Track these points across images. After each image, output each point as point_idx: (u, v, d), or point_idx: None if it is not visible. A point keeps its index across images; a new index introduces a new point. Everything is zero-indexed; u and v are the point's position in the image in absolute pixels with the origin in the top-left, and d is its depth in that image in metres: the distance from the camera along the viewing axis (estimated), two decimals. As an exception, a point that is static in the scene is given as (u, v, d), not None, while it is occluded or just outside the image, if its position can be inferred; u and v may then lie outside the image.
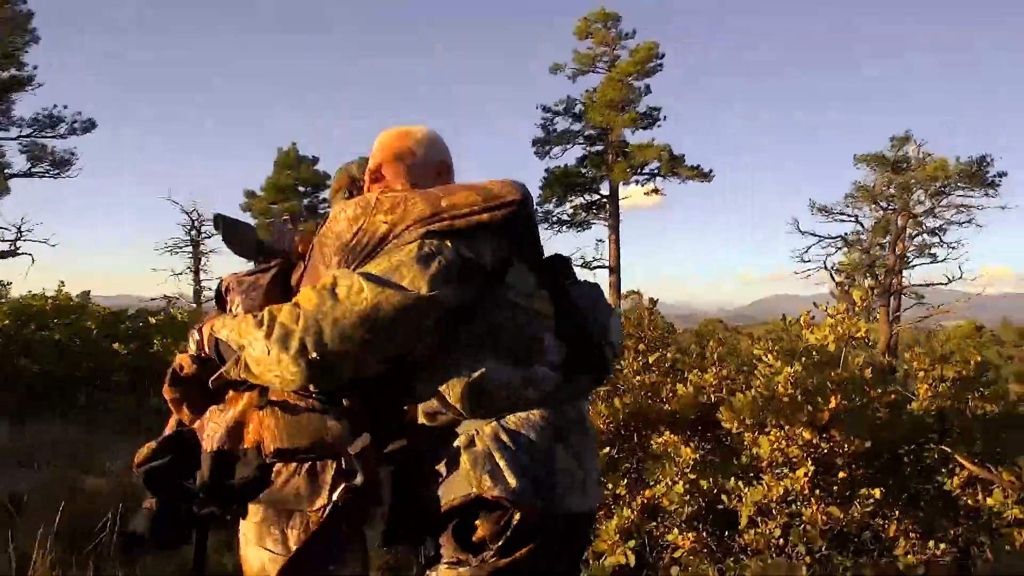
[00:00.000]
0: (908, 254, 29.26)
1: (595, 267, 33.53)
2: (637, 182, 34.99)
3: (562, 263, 2.04)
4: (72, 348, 9.74)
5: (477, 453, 1.69)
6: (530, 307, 1.81)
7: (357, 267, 1.74)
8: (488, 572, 1.69)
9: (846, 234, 30.79)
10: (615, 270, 33.91)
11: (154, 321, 10.98)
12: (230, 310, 2.01)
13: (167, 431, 2.00)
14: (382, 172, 2.07)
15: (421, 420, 1.79)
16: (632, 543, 3.37)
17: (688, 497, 3.49)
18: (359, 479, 1.72)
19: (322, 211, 40.26)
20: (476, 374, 1.70)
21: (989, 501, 3.67)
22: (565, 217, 35.82)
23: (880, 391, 3.99)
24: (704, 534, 3.65)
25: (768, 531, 3.36)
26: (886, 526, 3.59)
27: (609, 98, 33.13)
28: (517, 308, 1.80)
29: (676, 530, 3.59)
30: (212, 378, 1.83)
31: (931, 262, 29.33)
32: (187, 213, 36.72)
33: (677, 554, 3.55)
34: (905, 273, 29.47)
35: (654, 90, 34.11)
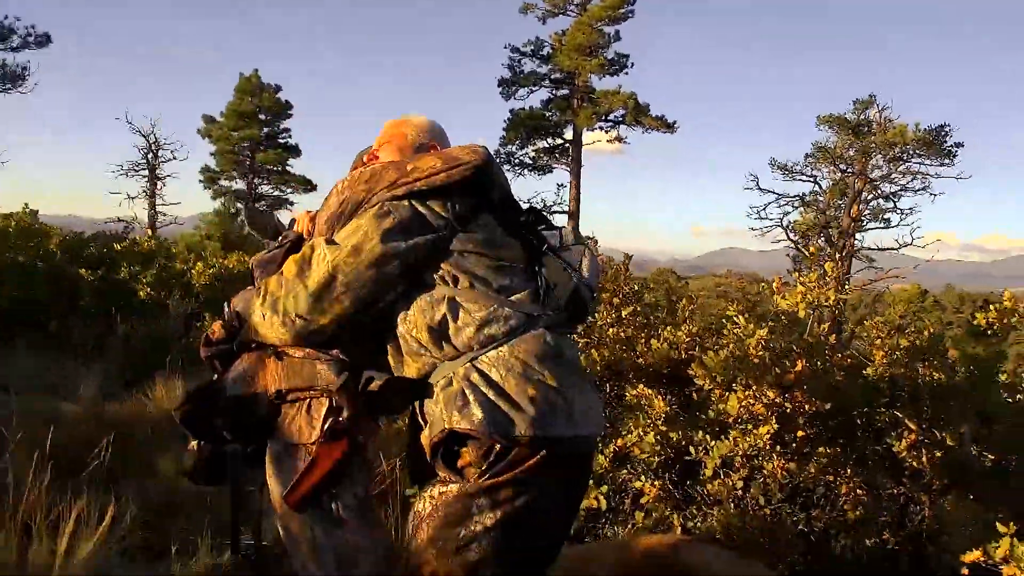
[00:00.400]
0: (863, 217, 29.84)
1: (555, 212, 33.68)
2: (601, 128, 35.05)
3: (537, 216, 2.26)
4: (37, 272, 9.68)
5: (451, 392, 1.92)
6: (498, 256, 2.04)
7: (333, 226, 2.05)
8: (474, 491, 1.91)
9: (803, 194, 31.29)
10: (574, 215, 34.14)
11: (119, 247, 10.97)
12: (256, 282, 2.30)
13: (200, 387, 2.35)
14: (377, 154, 2.38)
15: (408, 365, 2.05)
16: (604, 488, 3.60)
17: (658, 447, 3.72)
18: (346, 413, 2.01)
19: (281, 140, 39.74)
20: (436, 313, 1.96)
21: (927, 463, 3.95)
22: (527, 160, 35.83)
23: (840, 355, 4.24)
24: (669, 484, 3.89)
25: (731, 483, 3.60)
26: (837, 482, 3.84)
27: (578, 42, 33.06)
28: (483, 256, 2.03)
29: (643, 478, 3.83)
30: (236, 342, 2.18)
31: (884, 227, 29.98)
32: (144, 135, 35.94)
33: (643, 500, 3.79)
34: (858, 236, 30.07)
35: (623, 36, 34.08)
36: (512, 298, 2.01)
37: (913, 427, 4.08)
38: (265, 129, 39.15)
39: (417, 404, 2.02)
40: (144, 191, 36.26)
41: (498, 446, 1.87)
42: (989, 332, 4.46)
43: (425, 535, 1.95)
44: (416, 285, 2.01)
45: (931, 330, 4.71)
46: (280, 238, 2.38)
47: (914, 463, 4.08)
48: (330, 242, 2.00)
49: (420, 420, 2.01)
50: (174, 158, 36.26)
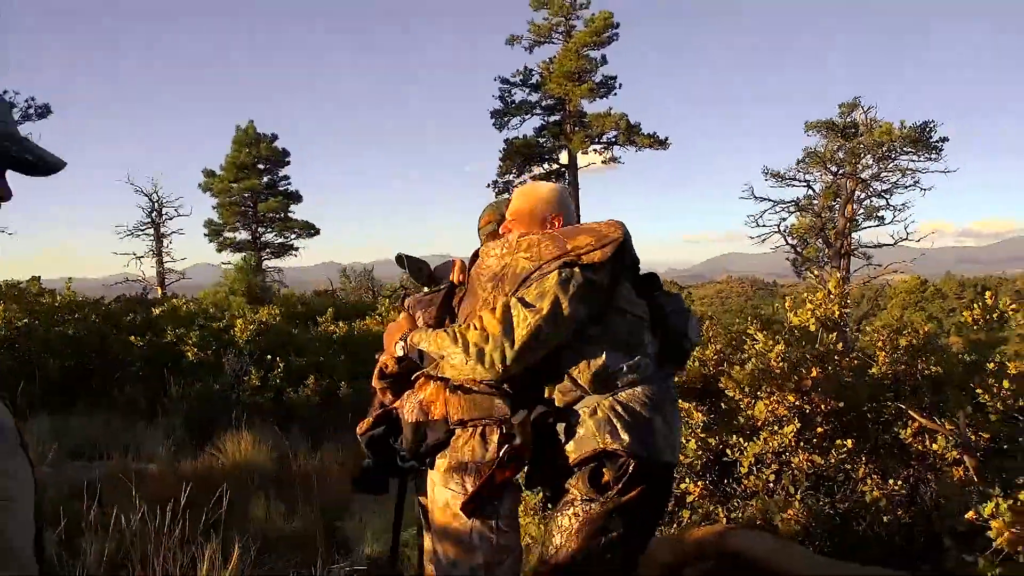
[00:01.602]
0: (857, 217, 30.42)
1: (557, 236, 34.14)
2: (595, 151, 35.68)
3: (652, 279, 2.87)
4: (86, 341, 10.27)
5: (599, 419, 2.51)
6: (634, 312, 2.62)
7: (512, 294, 2.55)
8: (611, 508, 2.50)
9: (798, 199, 31.87)
10: (576, 238, 34.62)
11: (157, 311, 11.57)
12: (414, 318, 2.86)
13: (375, 411, 2.86)
14: (510, 226, 2.89)
15: (556, 397, 2.61)
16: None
17: (699, 452, 4.33)
18: (518, 441, 2.52)
19: (281, 187, 40.36)
20: (599, 361, 2.52)
21: (934, 447, 4.51)
22: (525, 187, 36.38)
23: (848, 359, 4.84)
24: (710, 483, 4.48)
25: (764, 477, 4.20)
26: (855, 469, 4.43)
27: (566, 69, 33.73)
28: (625, 314, 2.62)
29: (687, 480, 4.42)
30: (417, 374, 2.70)
31: (878, 224, 30.57)
32: (147, 195, 36.62)
33: (689, 499, 4.39)
34: (854, 235, 30.64)
35: (609, 59, 34.79)
36: (646, 351, 2.61)
37: (916, 416, 4.66)
38: (265, 178, 39.84)
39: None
40: (151, 250, 36.94)
41: (631, 467, 2.46)
42: (976, 326, 5.04)
43: (576, 544, 2.51)
44: (587, 337, 2.56)
45: (926, 329, 5.30)
46: (433, 284, 2.99)
47: (919, 447, 4.66)
48: (524, 303, 2.48)
49: (560, 439, 2.59)
50: (178, 214, 37.03)
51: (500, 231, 2.94)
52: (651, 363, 2.61)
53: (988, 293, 4.93)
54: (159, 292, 33.32)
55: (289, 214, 40.61)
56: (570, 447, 2.55)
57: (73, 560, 4.39)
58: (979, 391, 4.68)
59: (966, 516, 3.27)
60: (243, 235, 40.36)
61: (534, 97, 35.54)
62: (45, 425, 8.09)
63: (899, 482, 4.60)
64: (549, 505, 2.77)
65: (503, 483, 2.57)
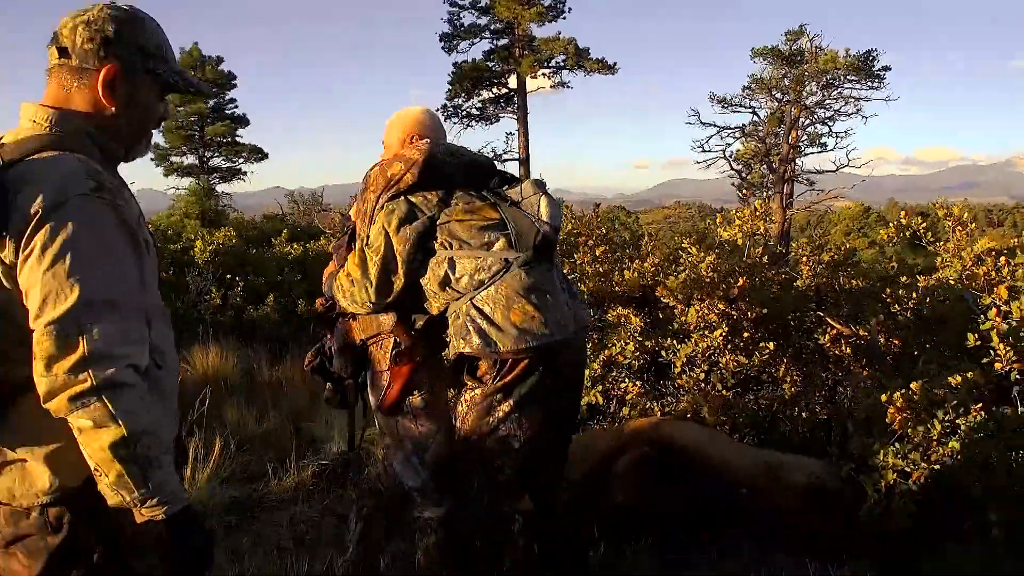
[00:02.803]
0: (801, 143, 31.14)
1: (505, 159, 34.39)
2: (544, 75, 35.69)
3: (501, 176, 3.14)
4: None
5: (459, 324, 2.87)
6: (481, 218, 2.92)
7: (368, 227, 2.96)
8: (491, 391, 2.87)
9: (744, 124, 32.45)
10: (524, 162, 34.86)
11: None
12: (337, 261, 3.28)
13: (317, 346, 3.40)
14: (383, 154, 3.26)
15: (431, 307, 3.00)
16: (599, 388, 4.69)
17: (637, 354, 4.79)
18: (403, 345, 3.00)
19: (228, 111, 39.83)
20: (440, 271, 2.90)
21: (848, 351, 5.03)
22: (474, 112, 36.38)
23: (774, 272, 5.33)
24: (647, 383, 4.96)
25: (695, 376, 4.68)
26: (777, 369, 4.93)
27: (515, -8, 33.53)
28: (468, 224, 2.91)
29: (627, 380, 4.90)
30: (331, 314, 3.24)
31: (821, 151, 31.31)
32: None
33: (628, 397, 4.86)
34: (798, 161, 31.38)
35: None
36: (492, 249, 2.88)
37: (834, 323, 5.17)
38: (211, 102, 39.19)
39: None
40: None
41: (497, 361, 2.83)
42: (891, 243, 5.54)
43: (467, 426, 2.93)
44: (429, 253, 2.90)
45: (847, 246, 5.81)
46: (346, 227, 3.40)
47: (836, 352, 5.18)
48: (367, 245, 2.91)
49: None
50: (124, 138, 36.37)
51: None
52: (499, 260, 2.86)
53: (902, 212, 5.40)
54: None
55: (237, 138, 40.14)
56: (448, 352, 2.94)
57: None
58: (890, 301, 5.20)
59: (866, 403, 3.80)
60: (190, 159, 39.83)
61: (483, 20, 35.29)
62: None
63: (817, 381, 5.13)
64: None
65: (404, 381, 3.03)
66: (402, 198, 2.90)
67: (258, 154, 40.24)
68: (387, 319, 3.05)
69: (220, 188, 38.03)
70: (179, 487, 1.64)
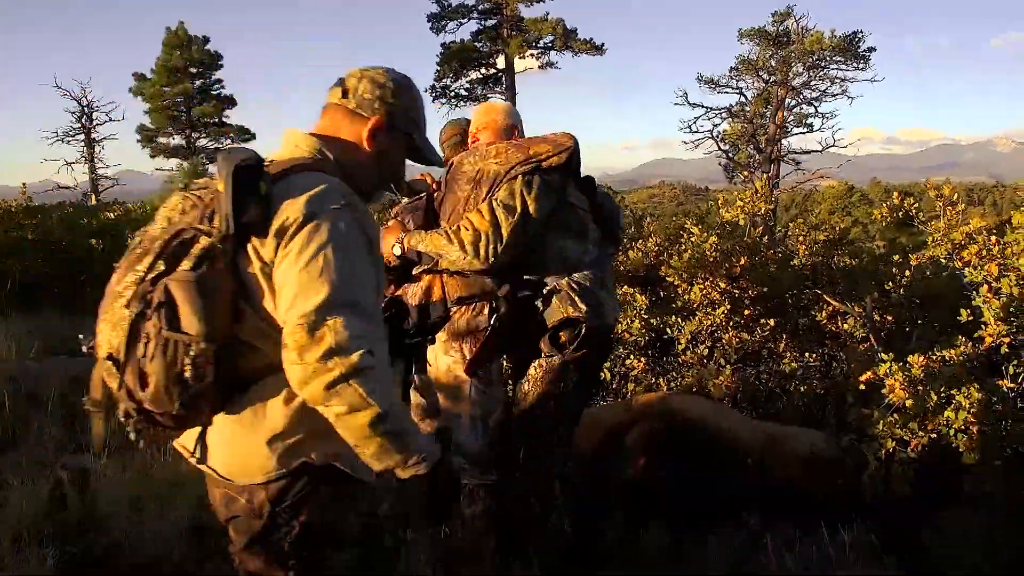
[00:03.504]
0: (787, 124, 31.31)
1: (494, 140, 34.25)
2: (532, 56, 35.68)
3: (590, 180, 3.44)
4: (48, 246, 10.49)
5: (562, 295, 3.10)
6: (581, 207, 3.21)
7: (488, 195, 3.10)
8: (568, 360, 3.13)
9: (731, 105, 32.57)
10: (514, 143, 34.83)
11: (112, 216, 11.82)
12: (403, 223, 3.40)
13: (391, 296, 3.39)
14: (478, 136, 3.50)
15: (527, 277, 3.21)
16: (607, 364, 4.86)
17: (643, 330, 4.97)
18: (503, 311, 3.11)
19: (215, 91, 39.53)
20: (562, 246, 3.19)
21: (844, 326, 5.22)
22: (463, 92, 36.31)
23: (772, 251, 5.51)
24: (652, 359, 5.14)
25: (699, 352, 4.87)
26: (777, 345, 5.12)
27: (503, -29, 33.48)
28: (575, 208, 3.25)
29: (632, 357, 5.07)
30: (418, 269, 3.27)
31: (808, 131, 31.50)
32: (76, 99, 35.70)
33: (633, 373, 5.04)
34: (784, 141, 31.56)
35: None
36: (591, 237, 3.25)
37: (831, 300, 5.36)
38: (198, 82, 38.90)
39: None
40: (83, 156, 36.17)
41: (584, 329, 3.08)
42: (884, 223, 5.71)
43: (540, 389, 3.16)
44: (549, 228, 3.16)
45: (842, 226, 5.99)
46: (413, 195, 3.53)
47: (833, 328, 5.37)
48: (505, 207, 3.04)
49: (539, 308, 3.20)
50: (109, 119, 36.30)
51: (470, 142, 3.52)
52: (595, 248, 3.26)
53: (895, 193, 5.57)
54: (93, 199, 32.80)
55: (224, 119, 39.91)
56: (545, 315, 3.16)
57: (83, 437, 4.82)
58: (884, 279, 5.39)
59: (864, 376, 3.98)
60: (177, 140, 39.51)
61: (471, 1, 35.19)
62: (21, 325, 8.41)
63: (814, 356, 5.32)
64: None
65: (493, 347, 3.18)
66: (538, 175, 3.12)
67: (245, 134, 40.02)
68: (490, 282, 3.20)
69: (209, 168, 37.80)
70: (429, 442, 1.89)
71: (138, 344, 1.73)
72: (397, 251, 3.27)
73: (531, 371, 3.21)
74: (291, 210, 1.75)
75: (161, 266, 1.74)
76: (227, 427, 1.86)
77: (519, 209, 3.05)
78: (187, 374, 1.71)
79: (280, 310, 1.75)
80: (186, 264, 1.73)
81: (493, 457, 3.29)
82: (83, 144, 36.34)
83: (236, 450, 1.88)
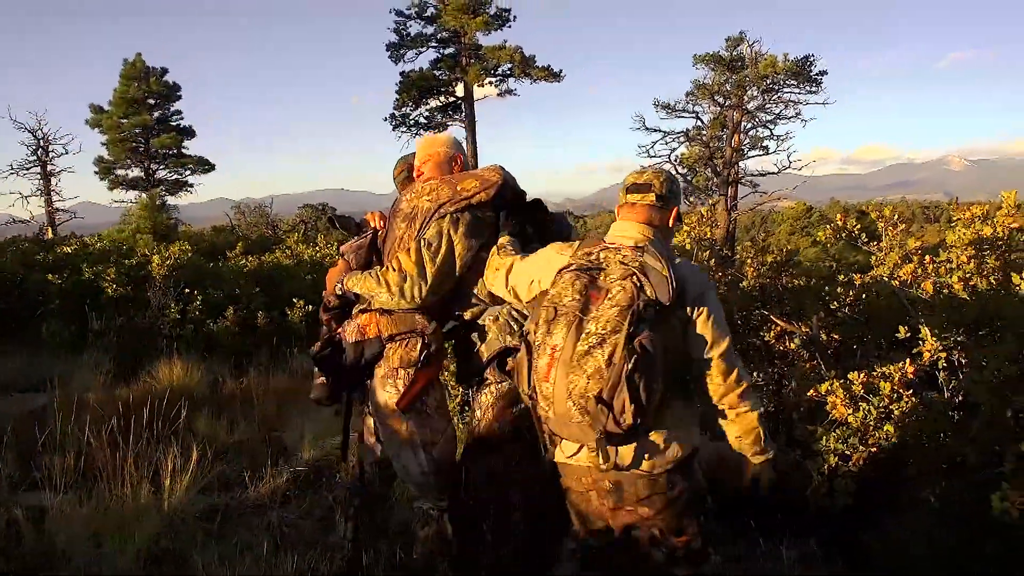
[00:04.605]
0: (743, 147, 31.82)
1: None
2: (491, 83, 35.95)
3: (538, 203, 3.58)
4: (2, 282, 10.39)
5: (501, 324, 3.21)
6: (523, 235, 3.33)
7: (418, 232, 3.26)
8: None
9: (688, 129, 33.04)
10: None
11: (69, 250, 11.76)
12: (349, 262, 3.55)
13: (324, 336, 3.55)
14: (422, 169, 3.62)
15: (465, 314, 3.38)
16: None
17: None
18: (433, 347, 3.29)
19: (173, 122, 39.38)
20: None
21: (791, 346, 5.35)
22: (422, 120, 36.51)
23: (721, 273, 5.63)
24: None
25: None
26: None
27: (461, 1, 33.70)
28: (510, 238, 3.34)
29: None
30: (357, 309, 3.45)
31: (763, 154, 32.01)
32: (31, 131, 35.38)
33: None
34: (741, 164, 32.06)
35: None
36: None
37: (778, 321, 5.48)
38: (156, 113, 38.77)
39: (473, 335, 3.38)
40: (39, 189, 35.78)
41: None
42: (830, 244, 5.86)
43: (492, 413, 3.28)
44: (479, 263, 3.27)
45: (789, 248, 6.14)
46: (359, 232, 3.64)
47: (781, 348, 5.49)
48: (428, 246, 3.21)
49: (475, 342, 3.34)
50: (66, 152, 35.97)
51: (415, 175, 3.64)
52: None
53: (839, 215, 5.73)
54: (49, 233, 32.46)
55: (183, 150, 39.75)
56: (483, 348, 3.31)
57: (38, 473, 4.80)
58: (830, 299, 5.53)
59: (810, 393, 4.11)
60: (135, 172, 39.26)
61: (430, 30, 35.46)
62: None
63: (763, 376, 5.44)
64: (467, 405, 3.57)
65: (427, 381, 3.34)
66: (467, 212, 3.29)
67: (205, 166, 39.88)
68: (421, 319, 3.34)
69: (166, 200, 37.57)
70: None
71: None
72: (339, 290, 3.42)
73: (482, 398, 3.33)
74: (694, 286, 2.65)
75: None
76: None
77: (443, 249, 3.21)
78: None
79: (704, 351, 2.65)
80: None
81: (441, 484, 3.40)
82: (39, 177, 35.90)
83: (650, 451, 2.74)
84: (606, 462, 2.59)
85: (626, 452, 2.61)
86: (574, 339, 2.50)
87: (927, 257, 4.71)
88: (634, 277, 2.54)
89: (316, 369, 3.47)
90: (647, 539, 2.74)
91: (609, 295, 2.54)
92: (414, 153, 3.75)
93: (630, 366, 2.37)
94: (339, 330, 3.48)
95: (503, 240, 3.26)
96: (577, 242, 2.89)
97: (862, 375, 4.05)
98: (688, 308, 2.60)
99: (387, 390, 3.37)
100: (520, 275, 3.01)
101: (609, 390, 2.40)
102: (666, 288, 2.51)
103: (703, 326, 2.62)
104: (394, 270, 3.23)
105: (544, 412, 2.62)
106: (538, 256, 2.98)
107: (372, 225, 3.64)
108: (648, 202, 2.80)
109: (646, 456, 2.63)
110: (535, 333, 2.64)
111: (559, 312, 2.58)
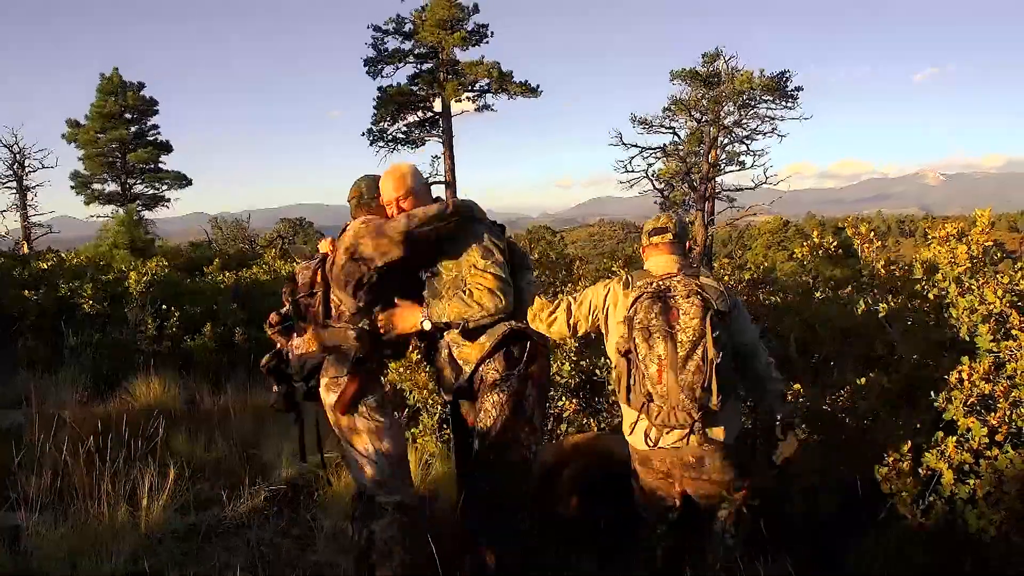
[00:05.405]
0: (720, 162, 32.06)
1: (432, 183, 34.40)
2: (468, 98, 36.03)
3: (501, 229, 3.87)
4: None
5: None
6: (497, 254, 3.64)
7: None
8: (524, 376, 3.61)
9: (665, 145, 33.26)
10: (451, 185, 35.11)
11: (45, 266, 11.66)
12: (296, 281, 3.88)
13: (275, 350, 3.87)
14: (401, 205, 3.74)
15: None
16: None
17: (573, 372, 5.08)
18: (361, 353, 3.55)
19: (150, 137, 39.21)
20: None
21: (770, 362, 5.38)
22: (400, 135, 36.54)
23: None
24: (583, 399, 5.24)
25: (629, 391, 4.98)
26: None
27: (438, 17, 33.82)
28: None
29: (564, 398, 5.18)
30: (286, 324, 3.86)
31: (740, 169, 32.28)
32: (8, 146, 35.19)
33: (565, 414, 5.14)
34: (718, 179, 32.29)
35: (482, 7, 35.00)
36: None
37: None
38: (133, 128, 38.61)
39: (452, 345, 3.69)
40: (15, 204, 35.55)
41: (529, 344, 3.60)
42: (807, 261, 5.92)
43: (508, 412, 3.55)
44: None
45: (765, 264, 6.20)
46: (314, 257, 3.89)
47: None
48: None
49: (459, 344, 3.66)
50: (42, 166, 35.78)
51: (394, 212, 3.76)
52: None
53: (815, 232, 5.79)
54: (24, 248, 32.20)
55: (160, 164, 39.59)
56: (482, 339, 3.60)
57: (14, 494, 4.73)
58: (808, 315, 5.58)
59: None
60: (112, 187, 39.09)
61: (407, 45, 35.53)
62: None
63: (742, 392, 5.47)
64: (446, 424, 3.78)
65: (363, 383, 3.57)
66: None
67: (182, 180, 39.72)
68: (352, 334, 3.59)
69: (143, 215, 37.37)
70: None
71: None
72: (426, 326, 3.65)
73: (492, 398, 3.59)
74: (724, 301, 3.28)
75: None
76: None
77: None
78: None
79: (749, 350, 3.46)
80: None
81: (397, 475, 3.63)
82: (15, 192, 35.68)
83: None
84: (704, 439, 3.23)
85: (718, 430, 3.28)
86: (673, 348, 3.15)
87: (900, 271, 4.75)
88: (699, 295, 3.20)
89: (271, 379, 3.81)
90: (718, 500, 3.42)
91: (683, 311, 3.19)
92: (369, 176, 3.91)
93: (718, 361, 3.10)
94: (288, 344, 3.79)
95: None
96: (627, 277, 3.56)
97: (842, 392, 4.09)
98: (728, 315, 3.29)
99: (330, 396, 3.61)
100: (580, 310, 3.68)
101: (707, 381, 3.09)
102: (724, 299, 3.26)
103: (741, 320, 3.41)
104: (498, 282, 3.53)
105: (658, 409, 3.19)
106: (587, 294, 3.70)
107: (323, 250, 3.86)
108: (667, 240, 3.55)
109: (727, 430, 3.30)
110: (635, 351, 3.23)
111: (652, 331, 3.19)
